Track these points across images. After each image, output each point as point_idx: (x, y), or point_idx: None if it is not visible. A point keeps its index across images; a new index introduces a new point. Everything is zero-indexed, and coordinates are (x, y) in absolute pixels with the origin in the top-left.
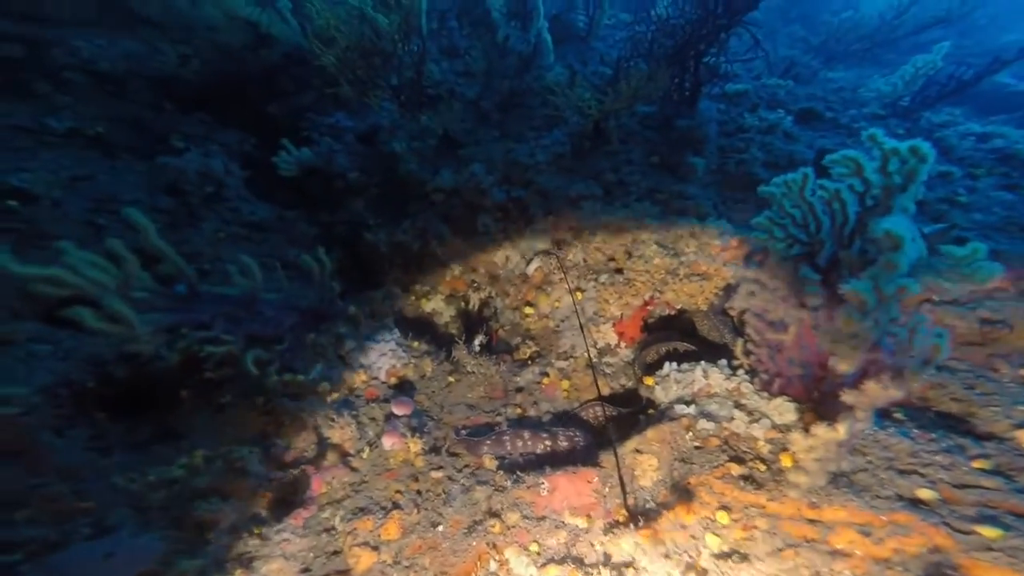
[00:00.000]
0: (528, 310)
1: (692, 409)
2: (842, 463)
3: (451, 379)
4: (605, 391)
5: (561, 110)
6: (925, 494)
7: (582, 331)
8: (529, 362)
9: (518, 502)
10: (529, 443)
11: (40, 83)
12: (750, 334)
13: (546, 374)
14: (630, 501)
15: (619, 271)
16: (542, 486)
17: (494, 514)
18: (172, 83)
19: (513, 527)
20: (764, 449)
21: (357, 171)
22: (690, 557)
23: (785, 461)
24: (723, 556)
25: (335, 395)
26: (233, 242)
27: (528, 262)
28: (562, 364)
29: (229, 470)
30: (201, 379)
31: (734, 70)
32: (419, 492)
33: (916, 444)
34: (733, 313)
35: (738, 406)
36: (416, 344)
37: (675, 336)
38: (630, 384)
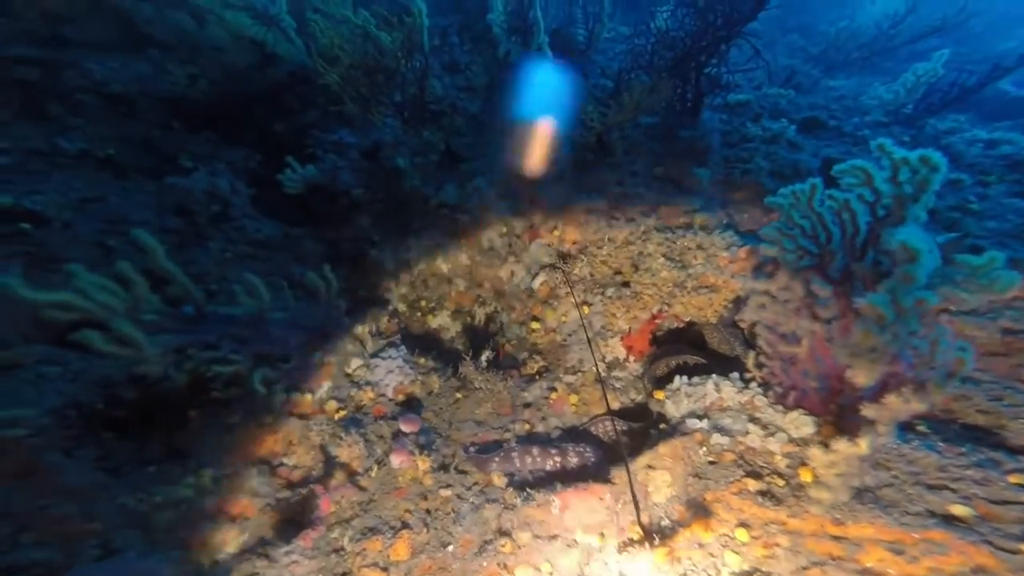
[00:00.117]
0: (534, 325)
1: (705, 423)
2: (865, 478)
3: (458, 395)
4: (615, 406)
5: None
6: (960, 510)
7: (590, 345)
8: (537, 377)
9: (529, 520)
10: (538, 459)
11: (54, 105)
12: (762, 347)
13: (554, 389)
14: (644, 518)
15: (626, 284)
16: (553, 503)
17: (504, 533)
18: (181, 103)
19: (524, 546)
20: (781, 464)
21: (361, 187)
22: None
23: (804, 476)
24: (744, 575)
25: (343, 413)
26: (240, 261)
27: (533, 276)
28: (570, 379)
29: (237, 490)
30: (209, 399)
31: (735, 80)
32: (428, 511)
33: (944, 458)
34: (743, 325)
35: (752, 420)
36: (423, 360)
37: (685, 349)
38: (640, 398)
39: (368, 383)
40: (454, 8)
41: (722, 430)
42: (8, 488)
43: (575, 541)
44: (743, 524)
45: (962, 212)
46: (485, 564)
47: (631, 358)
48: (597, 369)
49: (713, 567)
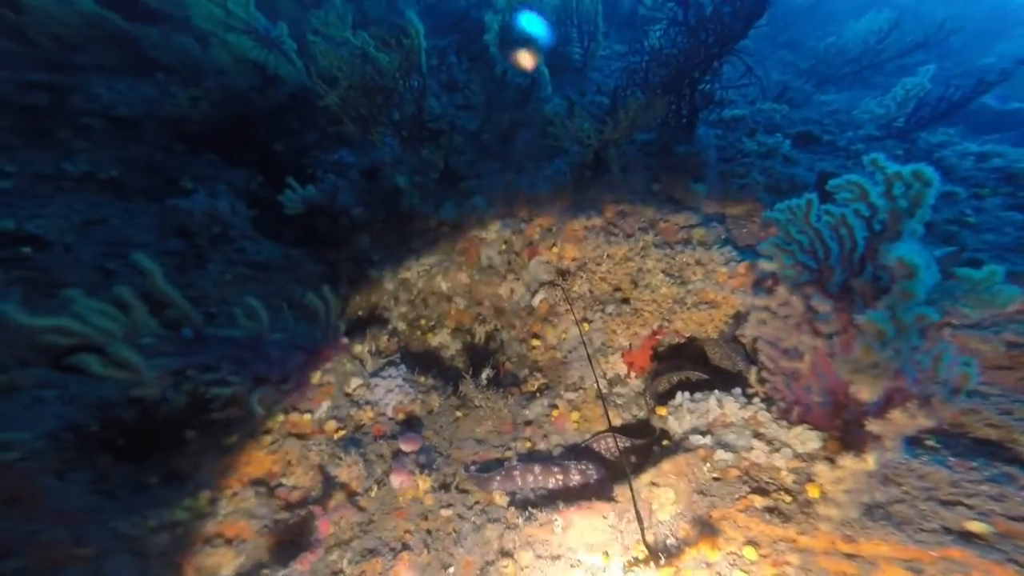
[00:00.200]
0: (535, 342)
1: (708, 439)
2: (875, 494)
3: (459, 414)
4: (616, 422)
5: (561, 140)
6: (978, 527)
7: (590, 362)
8: (537, 394)
9: (531, 540)
10: (540, 478)
11: (61, 129)
12: (764, 362)
13: (555, 406)
14: (649, 536)
15: (626, 301)
16: (555, 522)
17: (507, 553)
18: (183, 124)
19: (527, 567)
20: (788, 479)
21: (361, 207)
22: None
23: (812, 492)
24: None
25: (342, 432)
26: (239, 283)
27: (533, 294)
28: (571, 396)
29: (234, 512)
30: (208, 420)
31: (729, 96)
32: (429, 531)
33: (955, 473)
34: (744, 341)
35: (757, 435)
36: (423, 379)
37: (686, 365)
38: (642, 415)
39: (368, 402)
40: (452, 28)
41: (726, 446)
42: None
43: (579, 561)
44: (751, 542)
45: (959, 225)
46: None
47: (632, 374)
48: (598, 386)
49: None
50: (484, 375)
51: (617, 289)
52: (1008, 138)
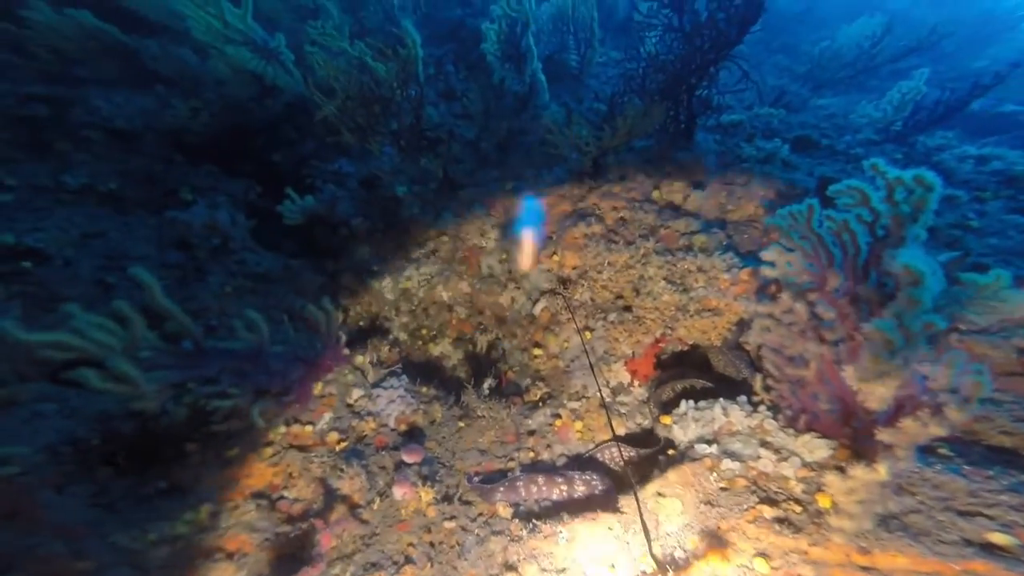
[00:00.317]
0: (537, 351)
1: (714, 448)
2: (889, 504)
3: (461, 424)
4: (620, 431)
5: (560, 148)
6: (1001, 539)
7: (593, 371)
8: (540, 404)
9: (535, 553)
10: (544, 488)
11: (61, 142)
12: (769, 369)
13: (558, 416)
14: (656, 549)
15: (628, 309)
16: (560, 534)
17: (511, 567)
18: (182, 136)
19: None
20: (797, 489)
21: (360, 217)
22: None
23: (823, 502)
24: None
25: (344, 444)
26: (239, 295)
27: (534, 302)
28: (574, 405)
29: (235, 525)
30: (208, 432)
31: (727, 101)
32: (432, 544)
33: (972, 482)
34: (748, 348)
35: (763, 444)
36: (425, 389)
37: (690, 373)
38: (646, 423)
39: (370, 413)
40: (449, 37)
41: (732, 455)
42: None
43: (585, 574)
44: (762, 554)
45: (962, 230)
46: None
47: (635, 383)
48: (601, 395)
49: None
50: (486, 385)
51: (619, 297)
52: (1006, 140)
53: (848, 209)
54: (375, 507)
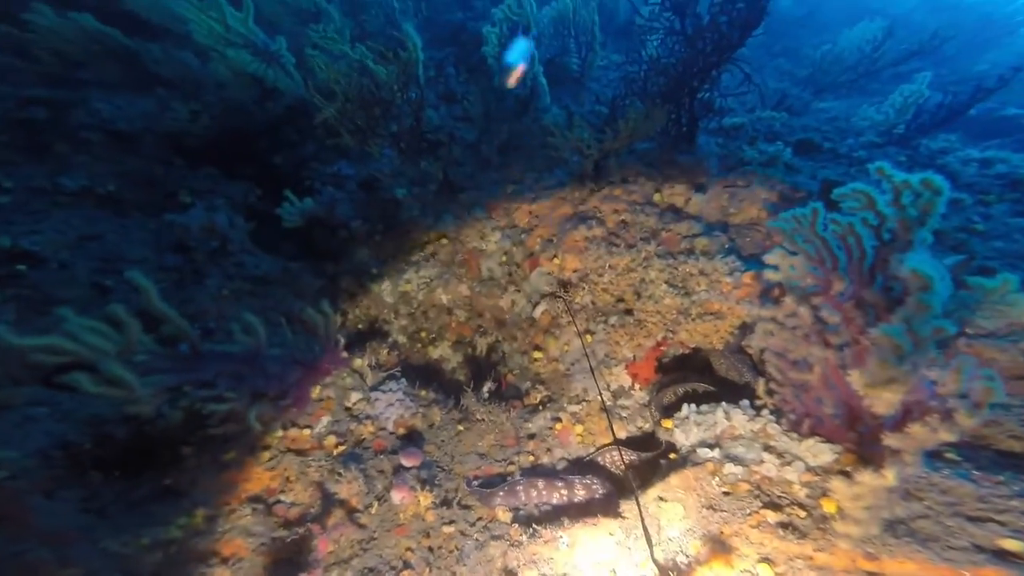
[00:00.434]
0: (537, 354)
1: (716, 452)
2: (896, 509)
3: (460, 428)
4: (621, 435)
5: (560, 151)
6: (1013, 545)
7: (593, 374)
8: (540, 407)
9: (536, 558)
10: (544, 493)
11: (59, 144)
12: (772, 373)
13: (558, 419)
14: (658, 554)
15: (629, 312)
16: (561, 539)
17: (510, 572)
18: (183, 139)
19: None
20: (801, 493)
21: (360, 219)
22: None
23: (827, 507)
24: None
25: (342, 448)
26: (237, 298)
27: (534, 305)
28: (575, 408)
29: (231, 530)
30: (205, 436)
31: (728, 104)
32: (431, 549)
33: (981, 488)
34: (751, 352)
35: (767, 448)
36: (424, 393)
37: (692, 376)
38: (647, 427)
39: (368, 417)
40: (450, 40)
41: (735, 459)
42: None
43: None
44: (766, 559)
45: (968, 233)
46: None
47: (637, 386)
48: (602, 398)
49: None
50: (486, 388)
51: (620, 300)
52: (1008, 144)
53: (853, 212)
54: (373, 511)
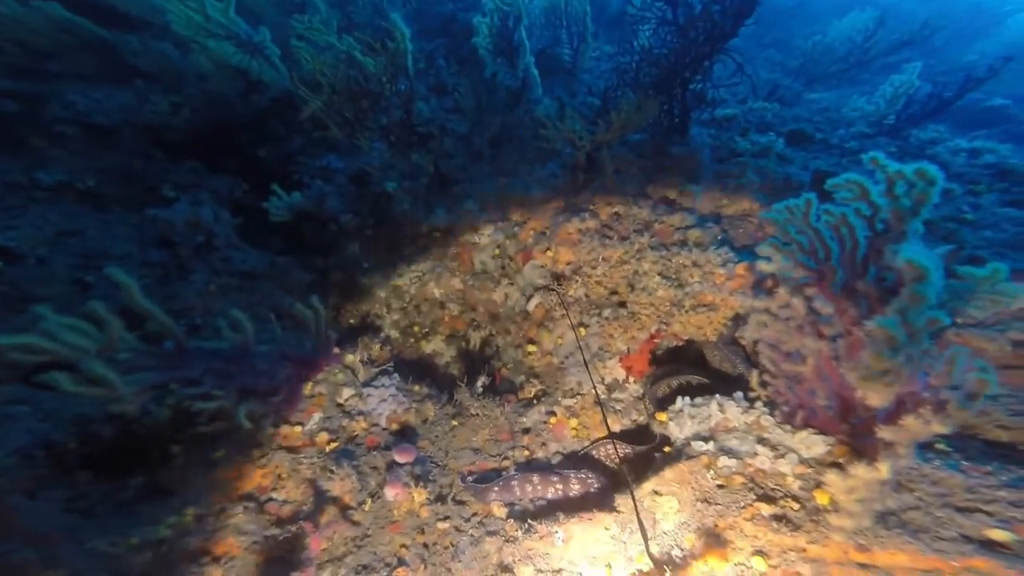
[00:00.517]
0: (531, 348)
1: (711, 445)
2: (887, 500)
3: (454, 423)
4: (616, 428)
5: (553, 143)
6: (1000, 535)
7: (587, 367)
8: (535, 401)
9: (531, 553)
10: (539, 487)
11: (35, 138)
12: (765, 365)
13: (553, 413)
14: (653, 548)
15: (622, 304)
16: (556, 534)
17: (506, 568)
18: (163, 132)
19: None
20: (794, 486)
21: (350, 213)
22: None
23: (820, 499)
24: None
25: (334, 444)
26: (224, 293)
27: (528, 299)
28: (569, 402)
29: (222, 528)
30: (194, 434)
31: (720, 95)
32: (425, 545)
33: (970, 478)
34: (744, 343)
35: (760, 441)
36: (417, 388)
37: (685, 369)
38: (642, 420)
39: (360, 413)
40: (440, 32)
41: (729, 452)
42: None
43: (581, 574)
44: (760, 552)
45: (957, 223)
46: None
47: (631, 379)
48: (596, 391)
49: None
50: (480, 382)
51: (613, 292)
52: (996, 134)
53: (846, 203)
54: (366, 508)
